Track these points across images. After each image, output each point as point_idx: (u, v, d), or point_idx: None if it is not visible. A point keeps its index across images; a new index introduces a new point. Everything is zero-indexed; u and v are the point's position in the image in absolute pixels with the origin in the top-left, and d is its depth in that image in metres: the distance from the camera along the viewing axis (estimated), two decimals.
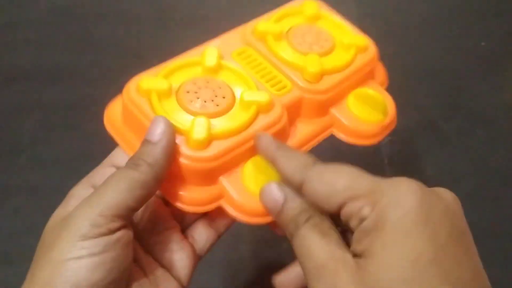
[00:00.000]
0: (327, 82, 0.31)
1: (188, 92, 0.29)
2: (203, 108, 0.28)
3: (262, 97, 0.29)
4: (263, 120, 0.29)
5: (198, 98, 0.29)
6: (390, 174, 0.43)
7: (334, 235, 0.23)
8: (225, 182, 0.27)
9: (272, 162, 0.26)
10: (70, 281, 0.22)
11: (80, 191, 0.27)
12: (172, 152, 0.26)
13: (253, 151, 0.28)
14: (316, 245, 0.22)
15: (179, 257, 0.28)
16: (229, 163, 0.27)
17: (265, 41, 0.33)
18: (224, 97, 0.29)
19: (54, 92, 0.58)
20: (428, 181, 0.52)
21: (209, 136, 0.27)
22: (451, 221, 0.21)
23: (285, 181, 0.25)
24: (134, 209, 0.24)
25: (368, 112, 0.32)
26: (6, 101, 0.58)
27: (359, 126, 0.32)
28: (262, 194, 0.25)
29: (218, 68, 0.31)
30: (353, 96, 0.33)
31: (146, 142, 0.26)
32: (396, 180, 0.22)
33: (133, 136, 0.28)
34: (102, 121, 0.31)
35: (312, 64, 0.31)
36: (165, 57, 0.36)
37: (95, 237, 0.23)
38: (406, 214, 0.20)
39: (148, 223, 0.28)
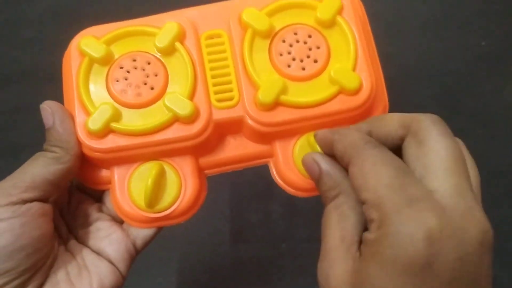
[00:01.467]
0: (278, 115, 0.27)
1: (121, 68, 0.27)
2: (122, 93, 0.27)
3: (183, 109, 0.26)
4: (176, 131, 0.26)
5: (126, 79, 0.27)
6: None
7: (352, 219, 0.22)
8: (115, 172, 0.27)
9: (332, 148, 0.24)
10: None
11: None
12: (70, 129, 0.26)
13: (154, 155, 0.27)
14: (331, 228, 0.23)
15: (108, 242, 0.28)
16: (122, 159, 0.27)
17: (245, 33, 0.28)
18: (152, 88, 0.27)
19: (53, 92, 0.63)
20: None
21: (105, 129, 0.26)
22: (461, 274, 0.19)
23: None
24: (52, 183, 0.26)
25: None
26: (6, 101, 0.57)
27: (292, 174, 0.28)
28: (303, 162, 0.25)
29: (171, 50, 0.28)
30: (306, 139, 0.28)
31: (46, 129, 0.27)
32: (414, 213, 0.19)
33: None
34: None
35: (268, 92, 0.26)
36: None
37: (6, 205, 0.24)
38: (408, 257, 0.19)
39: (80, 218, 0.29)
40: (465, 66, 0.60)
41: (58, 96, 0.57)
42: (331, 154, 0.24)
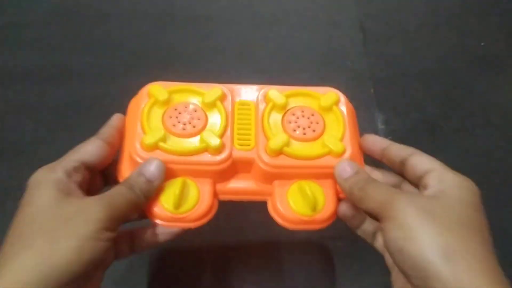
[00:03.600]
0: (280, 161, 0.36)
1: (175, 110, 0.38)
2: (172, 126, 0.37)
3: (213, 141, 0.36)
4: (205, 157, 0.36)
5: (177, 117, 0.38)
6: None
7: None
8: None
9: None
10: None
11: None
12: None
13: (185, 172, 0.36)
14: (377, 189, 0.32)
15: None
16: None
17: (267, 105, 0.39)
18: (194, 127, 0.37)
19: (55, 92, 0.57)
20: None
21: (155, 145, 0.35)
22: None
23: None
24: (122, 222, 0.31)
25: (299, 202, 0.36)
26: (7, 101, 0.57)
27: (285, 209, 0.36)
28: (338, 167, 0.36)
29: (213, 105, 0.39)
30: (297, 184, 0.36)
31: (141, 175, 0.34)
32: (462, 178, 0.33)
33: (129, 122, 0.39)
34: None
35: (276, 142, 0.36)
36: (167, 57, 0.48)
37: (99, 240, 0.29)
38: (464, 201, 0.31)
39: None
40: (464, 66, 0.61)
41: (59, 95, 0.56)
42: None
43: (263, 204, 0.38)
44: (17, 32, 0.63)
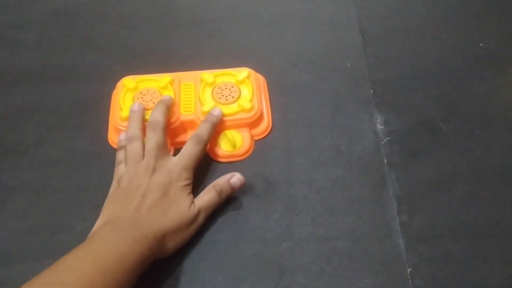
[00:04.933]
0: None
1: (141, 93, 0.58)
2: (140, 104, 0.57)
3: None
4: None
5: (142, 98, 0.57)
6: (390, 174, 0.52)
7: None
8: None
9: None
10: None
11: None
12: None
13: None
14: None
15: None
16: None
17: (201, 84, 0.58)
18: (154, 103, 0.57)
19: (57, 93, 0.58)
20: (428, 181, 0.52)
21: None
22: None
23: None
24: None
25: (225, 144, 0.55)
26: (9, 102, 0.57)
27: (215, 148, 0.55)
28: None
29: (166, 87, 0.58)
30: (224, 132, 0.56)
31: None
32: None
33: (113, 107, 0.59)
34: (104, 121, 0.49)
35: (206, 107, 0.56)
36: (167, 58, 0.59)
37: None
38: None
39: None
40: (463, 67, 0.61)
41: (60, 96, 0.57)
42: None
43: (263, 207, 0.50)
44: (17, 33, 0.62)
